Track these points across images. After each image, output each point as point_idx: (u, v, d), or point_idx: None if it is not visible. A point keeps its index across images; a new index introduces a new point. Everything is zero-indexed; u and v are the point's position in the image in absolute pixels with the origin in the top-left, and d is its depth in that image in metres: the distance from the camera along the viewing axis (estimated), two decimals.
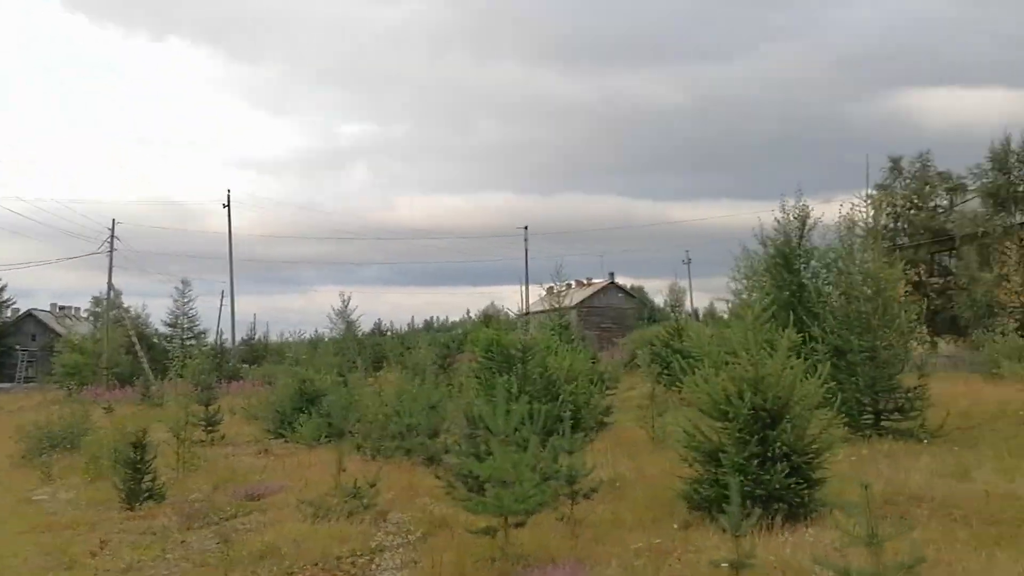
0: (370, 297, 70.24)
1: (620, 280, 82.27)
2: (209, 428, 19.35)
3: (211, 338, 51.53)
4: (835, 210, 17.80)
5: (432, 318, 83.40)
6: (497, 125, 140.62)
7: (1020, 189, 32.08)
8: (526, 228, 62.92)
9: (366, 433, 16.41)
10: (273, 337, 56.60)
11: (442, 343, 39.42)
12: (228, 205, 51.43)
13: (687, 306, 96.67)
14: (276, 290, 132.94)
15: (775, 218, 17.44)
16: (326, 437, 18.41)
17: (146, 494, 11.29)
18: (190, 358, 38.08)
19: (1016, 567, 5.44)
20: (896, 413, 12.25)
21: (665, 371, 22.92)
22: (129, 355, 45.73)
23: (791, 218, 17.29)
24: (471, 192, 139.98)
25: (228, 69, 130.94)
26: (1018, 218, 31.93)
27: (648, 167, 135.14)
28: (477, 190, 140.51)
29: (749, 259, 18.08)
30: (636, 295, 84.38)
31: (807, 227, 17.21)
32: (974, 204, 35.54)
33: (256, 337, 55.43)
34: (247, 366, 46.69)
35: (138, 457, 11.51)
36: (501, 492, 6.50)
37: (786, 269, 16.69)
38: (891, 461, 9.61)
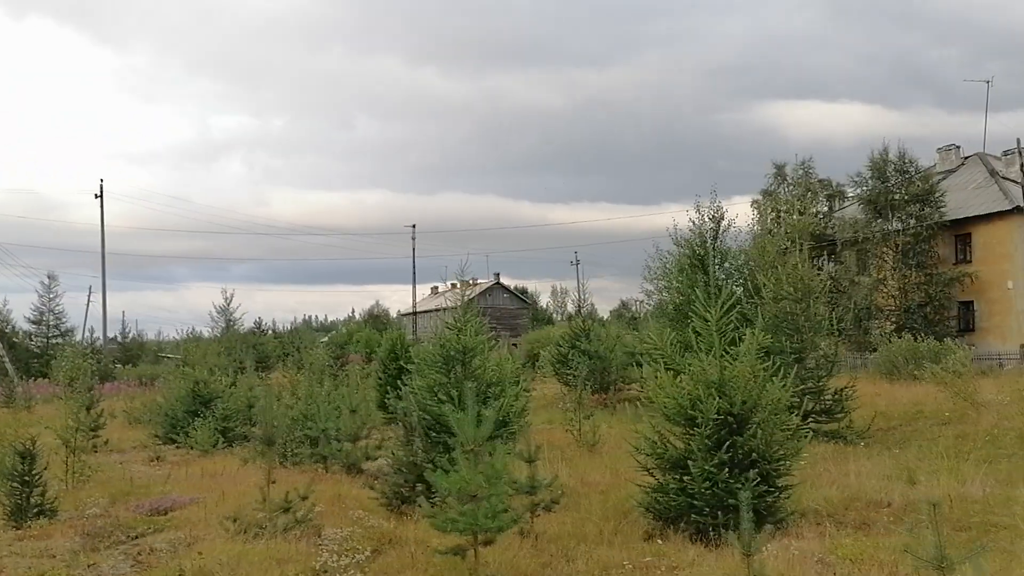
0: (243, 295, 67.51)
1: (505, 281, 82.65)
2: (93, 434, 17.82)
3: (78, 336, 48.21)
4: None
5: (310, 317, 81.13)
6: (377, 122, 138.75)
7: (896, 197, 34.00)
8: (414, 227, 62.23)
9: (270, 439, 15.50)
10: (150, 335, 53.52)
11: (336, 343, 38.24)
12: (101, 196, 48.17)
13: (569, 307, 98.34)
14: (144, 286, 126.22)
15: (690, 218, 17.61)
16: (224, 443, 17.34)
17: (35, 510, 10.11)
18: (60, 357, 35.53)
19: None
20: (824, 415, 12.50)
21: (570, 372, 22.92)
22: None
23: (706, 219, 17.50)
24: (350, 189, 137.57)
25: (93, 52, 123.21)
26: (895, 224, 33.83)
27: (528, 168, 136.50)
28: (356, 187, 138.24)
29: (662, 260, 18.20)
30: (521, 296, 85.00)
31: (721, 228, 17.46)
32: (853, 210, 37.49)
33: (130, 335, 52.27)
34: (121, 366, 43.91)
35: (26, 468, 10.30)
36: (472, 508, 6.01)
37: (701, 270, 16.85)
38: (833, 465, 9.70)
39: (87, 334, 50.20)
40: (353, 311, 78.74)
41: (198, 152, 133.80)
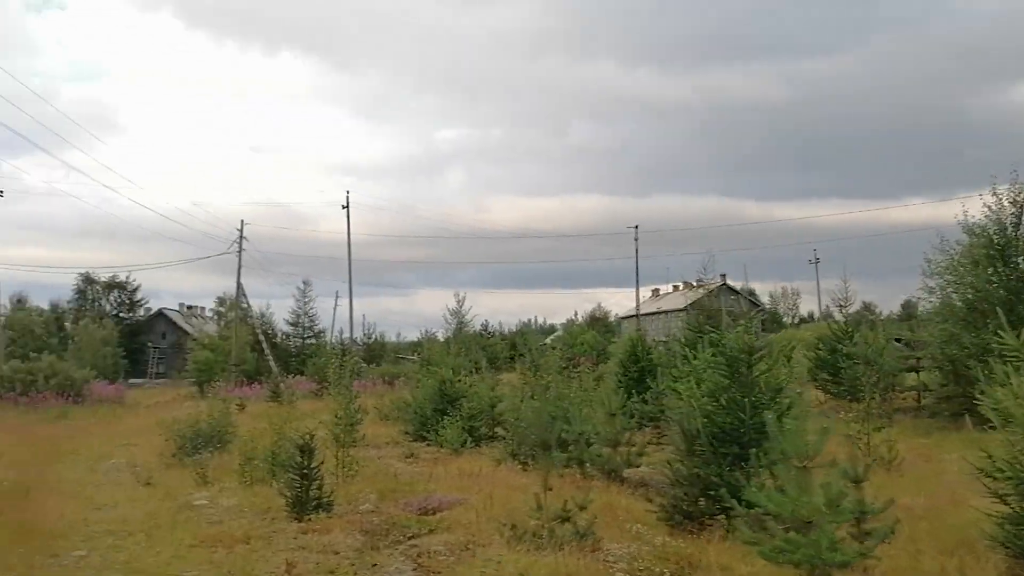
0: (468, 298, 69.24)
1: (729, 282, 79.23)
2: (351, 429, 18.62)
3: (328, 337, 51.95)
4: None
5: (530, 319, 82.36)
6: (592, 126, 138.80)
7: None
8: (636, 227, 60.89)
9: (520, 439, 15.28)
10: (389, 337, 56.69)
11: (566, 344, 38.10)
12: (347, 206, 51.63)
13: (801, 309, 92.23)
14: (378, 291, 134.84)
15: (984, 204, 15.28)
16: (471, 442, 17.41)
17: (314, 503, 10.36)
18: (323, 355, 38.14)
19: None
20: None
21: (833, 378, 20.91)
22: (254, 353, 46.41)
23: (1005, 204, 15.09)
24: (565, 194, 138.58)
25: (333, 79, 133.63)
26: None
27: (751, 166, 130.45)
28: (571, 192, 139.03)
29: (948, 253, 15.94)
30: (749, 297, 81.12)
31: None
32: None
33: (372, 336, 55.60)
34: (366, 365, 46.69)
35: (305, 462, 10.60)
36: (814, 537, 5.04)
37: (1001, 262, 14.52)
38: None
39: (337, 335, 54.05)
40: (576, 313, 78.88)
41: (424, 165, 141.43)
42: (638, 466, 12.16)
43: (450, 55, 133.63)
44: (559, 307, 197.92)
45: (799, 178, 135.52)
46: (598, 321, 79.66)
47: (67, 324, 57.78)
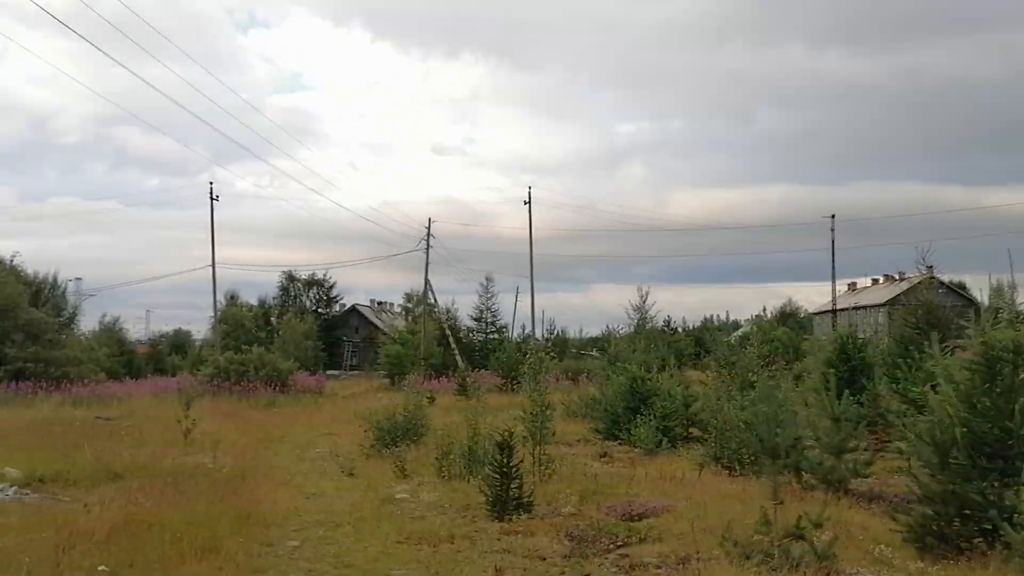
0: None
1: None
2: (543, 426, 18.37)
3: (511, 333, 52.53)
4: None
5: (712, 315, 79.14)
6: (780, 113, 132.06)
7: None
8: (832, 217, 57.07)
9: (723, 442, 14.33)
10: (571, 332, 56.50)
11: (763, 342, 36.05)
12: (529, 202, 51.81)
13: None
14: (557, 287, 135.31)
15: None
16: (667, 443, 16.62)
17: (514, 502, 10.04)
18: (510, 352, 38.49)
19: None
20: None
21: None
22: (441, 347, 47.71)
23: None
24: (750, 185, 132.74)
25: (512, 78, 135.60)
26: None
27: (955, 148, 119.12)
28: (757, 182, 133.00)
29: None
30: (959, 291, 73.91)
31: None
32: None
33: (555, 332, 55.65)
34: (548, 361, 46.74)
35: (504, 460, 10.30)
36: None
37: None
38: None
39: (519, 330, 54.59)
40: (764, 309, 75.15)
41: (602, 159, 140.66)
42: (866, 476, 10.93)
43: (628, 47, 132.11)
44: (741, 302, 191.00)
45: (1011, 159, 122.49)
46: (789, 317, 75.62)
47: (273, 319, 62.12)
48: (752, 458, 12.62)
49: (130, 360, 49.39)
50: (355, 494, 11.47)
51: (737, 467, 13.18)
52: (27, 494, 10.60)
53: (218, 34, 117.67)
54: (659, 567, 7.35)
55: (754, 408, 11.16)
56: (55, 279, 41.63)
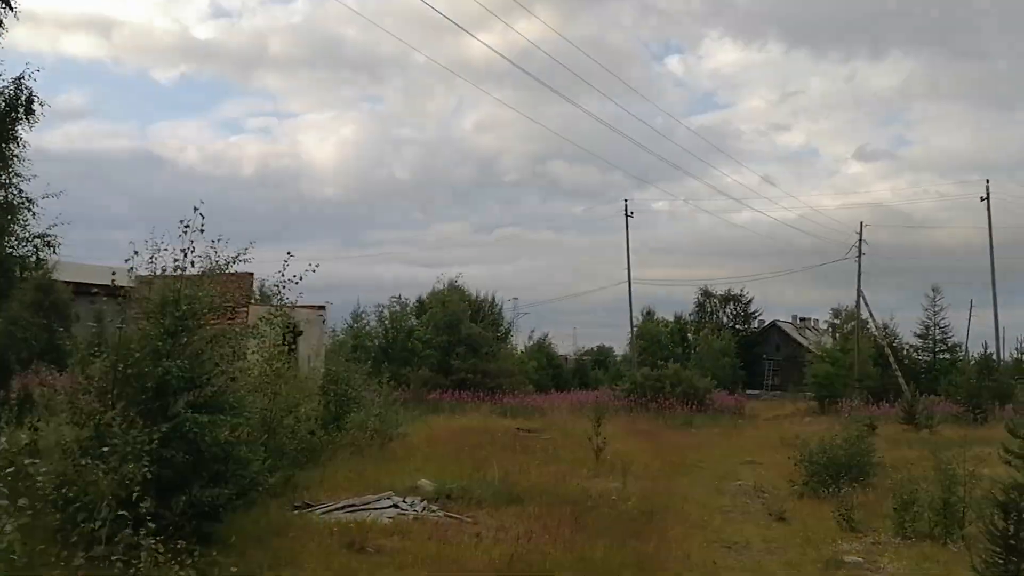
0: None
1: None
2: None
3: (965, 351, 44.48)
4: None
5: None
6: None
7: None
8: None
9: None
10: None
11: None
12: (987, 197, 43.37)
13: None
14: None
15: None
16: None
17: None
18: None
19: None
20: None
21: None
22: (877, 367, 42.07)
23: None
24: None
25: (952, 69, 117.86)
26: None
27: None
28: None
29: None
30: None
31: None
32: None
33: None
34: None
35: (1011, 529, 7.12)
36: None
37: None
38: None
39: (979, 349, 45.98)
40: None
41: None
42: None
43: None
44: None
45: None
46: None
47: (688, 335, 61.11)
48: None
49: (557, 373, 51.92)
50: (789, 550, 9.08)
51: None
52: (433, 511, 10.12)
53: (636, 63, 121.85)
54: None
55: None
56: (493, 298, 45.24)
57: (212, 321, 8.43)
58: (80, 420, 6.78)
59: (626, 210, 47.91)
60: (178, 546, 5.97)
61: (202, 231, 7.50)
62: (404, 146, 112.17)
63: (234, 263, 8.79)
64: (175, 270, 7.46)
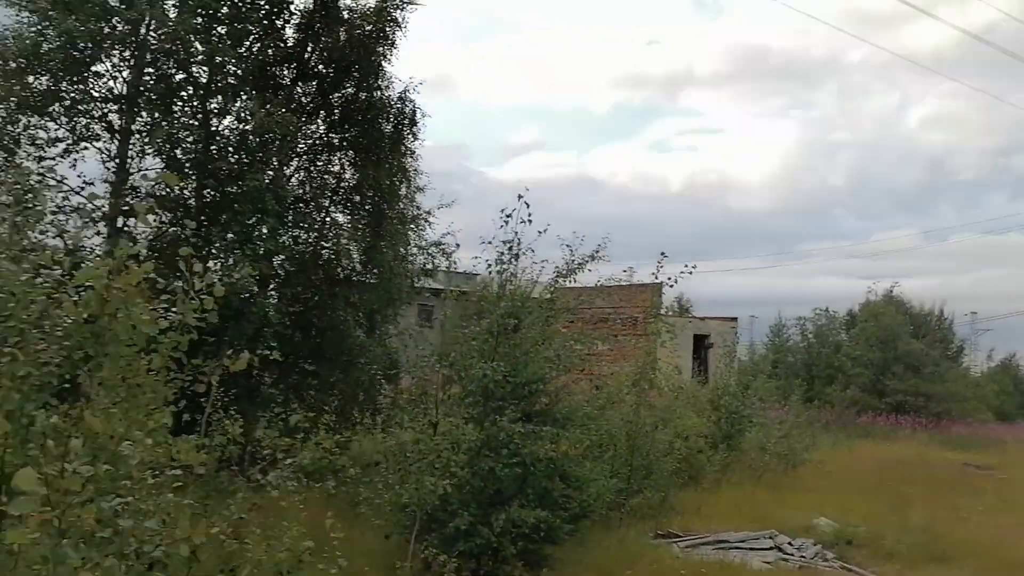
0: None
1: None
2: None
3: None
4: None
5: None
6: None
7: None
8: None
9: None
10: None
11: None
12: None
13: None
14: None
15: None
16: None
17: None
18: None
19: None
20: None
21: None
22: None
23: None
24: None
25: None
26: None
27: None
28: None
29: None
30: None
31: None
32: None
33: None
34: None
35: None
36: None
37: None
38: None
39: None
40: None
41: None
42: None
43: None
44: None
45: None
46: None
47: None
48: None
49: None
50: None
51: None
52: (826, 560, 8.30)
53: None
54: None
55: None
56: (941, 311, 39.41)
57: (564, 328, 7.88)
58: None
59: None
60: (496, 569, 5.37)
61: (529, 221, 6.93)
62: (838, 151, 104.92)
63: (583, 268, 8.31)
64: (502, 271, 7.00)
